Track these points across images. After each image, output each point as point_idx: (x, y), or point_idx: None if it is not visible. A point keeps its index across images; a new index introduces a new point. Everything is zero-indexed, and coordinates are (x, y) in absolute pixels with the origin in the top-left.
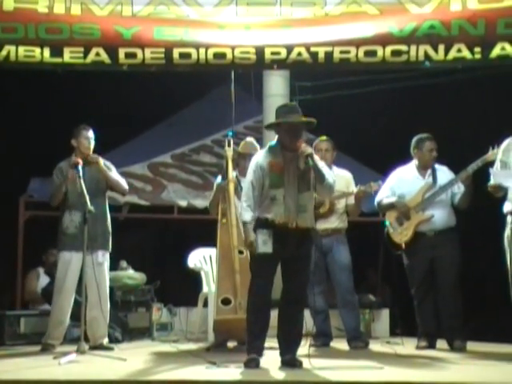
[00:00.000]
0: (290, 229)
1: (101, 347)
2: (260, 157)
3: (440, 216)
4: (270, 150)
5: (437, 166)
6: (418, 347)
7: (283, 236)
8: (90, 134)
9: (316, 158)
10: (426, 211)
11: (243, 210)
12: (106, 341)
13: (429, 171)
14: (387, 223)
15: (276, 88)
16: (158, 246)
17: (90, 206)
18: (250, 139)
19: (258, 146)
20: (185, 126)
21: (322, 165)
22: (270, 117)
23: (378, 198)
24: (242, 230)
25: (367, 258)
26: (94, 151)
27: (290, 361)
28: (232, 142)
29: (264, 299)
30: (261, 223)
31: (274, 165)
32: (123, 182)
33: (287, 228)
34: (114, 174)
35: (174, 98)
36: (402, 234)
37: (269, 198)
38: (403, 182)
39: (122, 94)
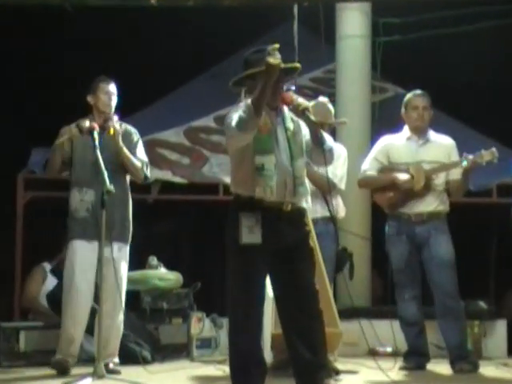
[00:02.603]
0: (284, 211)
1: (106, 369)
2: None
3: None
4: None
5: None
6: None
7: (274, 221)
8: (112, 87)
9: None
10: None
11: (238, 114)
12: (115, 361)
13: None
14: None
15: (353, 27)
16: (198, 237)
17: (109, 185)
18: (322, 100)
19: (332, 110)
20: (231, 78)
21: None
22: (346, 64)
23: None
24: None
25: (475, 252)
26: (116, 111)
27: None
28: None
29: (247, 319)
30: (243, 204)
31: (261, 124)
32: (145, 169)
33: (280, 210)
34: (140, 153)
35: (218, 41)
36: None
37: (253, 169)
38: None
39: (150, 37)
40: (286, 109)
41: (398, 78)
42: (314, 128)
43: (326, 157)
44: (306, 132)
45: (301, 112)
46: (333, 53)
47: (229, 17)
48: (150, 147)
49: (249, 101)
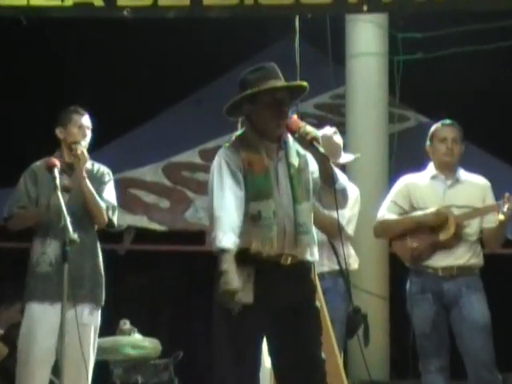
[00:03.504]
0: (282, 266)
1: None
2: (226, 153)
3: None
4: (240, 140)
5: None
6: None
7: (271, 277)
8: (85, 120)
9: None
10: None
11: (219, 231)
12: None
13: None
14: None
15: (366, 43)
16: (180, 296)
17: (72, 234)
18: (327, 132)
19: (341, 143)
20: (221, 104)
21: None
22: (358, 88)
23: None
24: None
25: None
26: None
27: None
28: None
29: None
30: (235, 256)
31: (255, 162)
32: (111, 213)
33: (277, 264)
34: (108, 194)
35: (205, 60)
36: None
37: (248, 217)
38: None
39: (123, 55)
40: (291, 139)
41: (421, 104)
42: (324, 163)
43: (338, 198)
44: (314, 168)
45: (308, 142)
46: (342, 74)
47: (218, 31)
48: (121, 187)
49: (224, 241)
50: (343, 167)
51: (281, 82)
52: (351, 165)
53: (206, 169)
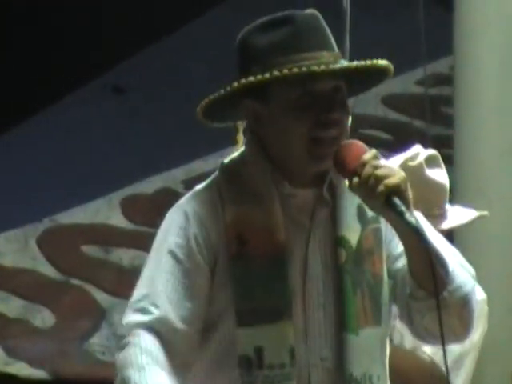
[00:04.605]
0: None
1: None
2: (192, 206)
3: None
4: (231, 178)
5: None
6: None
7: None
8: None
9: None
10: None
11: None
12: None
13: None
14: None
15: None
16: None
17: None
18: (419, 158)
19: (446, 184)
20: (167, 93)
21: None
22: (480, 63)
23: None
24: None
25: None
26: None
27: None
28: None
29: None
30: None
31: (256, 232)
32: None
33: None
34: None
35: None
36: None
37: (235, 362)
38: None
39: None
40: (342, 183)
41: None
42: (422, 243)
43: (451, 322)
44: (398, 251)
45: (382, 199)
46: (444, 30)
47: None
48: None
49: None
50: (448, 235)
51: (329, 59)
52: (466, 233)
53: (136, 239)
